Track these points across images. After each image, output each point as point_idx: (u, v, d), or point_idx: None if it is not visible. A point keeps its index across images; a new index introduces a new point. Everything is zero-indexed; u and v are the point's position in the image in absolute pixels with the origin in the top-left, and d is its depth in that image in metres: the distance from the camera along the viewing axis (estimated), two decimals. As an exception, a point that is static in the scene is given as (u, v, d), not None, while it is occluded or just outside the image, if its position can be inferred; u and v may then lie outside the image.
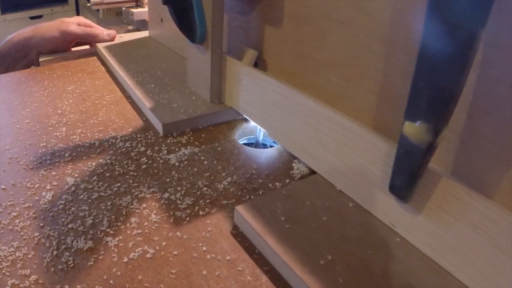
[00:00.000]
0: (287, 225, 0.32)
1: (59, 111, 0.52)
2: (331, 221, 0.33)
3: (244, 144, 0.49)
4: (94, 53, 0.73)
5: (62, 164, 0.42)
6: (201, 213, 0.36)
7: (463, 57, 0.23)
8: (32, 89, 0.59)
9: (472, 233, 0.27)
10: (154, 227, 0.34)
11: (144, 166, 0.42)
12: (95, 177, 0.40)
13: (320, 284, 0.27)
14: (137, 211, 0.36)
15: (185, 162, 0.43)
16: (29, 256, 0.31)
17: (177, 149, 0.45)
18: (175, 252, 0.32)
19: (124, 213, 0.36)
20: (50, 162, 0.42)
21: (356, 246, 0.31)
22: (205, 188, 0.39)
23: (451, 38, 0.23)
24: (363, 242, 0.31)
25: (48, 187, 0.39)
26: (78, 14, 2.24)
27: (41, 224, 0.34)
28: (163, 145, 0.46)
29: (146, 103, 0.51)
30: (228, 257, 0.31)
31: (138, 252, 0.32)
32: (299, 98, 0.39)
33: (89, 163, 0.42)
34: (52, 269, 0.30)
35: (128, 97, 0.57)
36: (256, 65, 0.50)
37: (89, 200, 0.37)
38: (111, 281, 0.29)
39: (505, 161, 0.27)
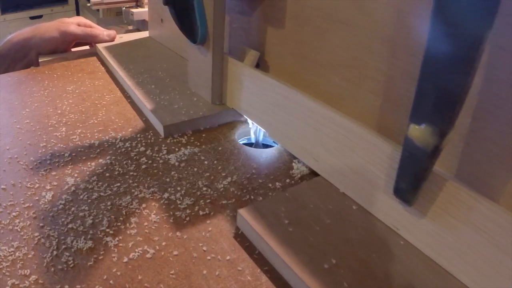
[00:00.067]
0: (291, 228, 0.32)
1: (59, 111, 0.52)
2: (334, 224, 0.33)
3: (244, 144, 0.49)
4: (94, 53, 0.73)
5: (62, 164, 0.42)
6: (201, 213, 0.36)
7: (469, 59, 0.22)
8: (32, 89, 0.59)
9: (477, 237, 0.26)
10: (154, 227, 0.34)
11: (144, 166, 0.42)
12: (95, 177, 0.40)
13: None
14: (137, 211, 0.36)
15: (185, 162, 0.43)
16: (29, 256, 0.31)
17: (177, 149, 0.45)
18: (175, 252, 0.32)
19: (124, 213, 0.36)
20: (50, 162, 0.42)
21: (360, 250, 0.30)
22: (205, 188, 0.39)
23: (457, 40, 0.22)
24: (367, 245, 0.31)
25: (48, 187, 0.39)
26: (78, 14, 2.24)
27: (41, 224, 0.34)
28: (163, 145, 0.46)
29: (146, 104, 0.51)
30: (228, 257, 0.31)
31: (138, 252, 0.32)
32: (301, 99, 0.39)
33: (89, 163, 0.42)
34: (52, 269, 0.30)
35: (128, 97, 0.57)
36: (257, 66, 0.50)
37: (89, 200, 0.37)
38: (111, 281, 0.29)
39: (510, 164, 0.27)
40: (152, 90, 0.55)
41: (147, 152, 0.44)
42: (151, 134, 0.48)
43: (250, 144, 0.51)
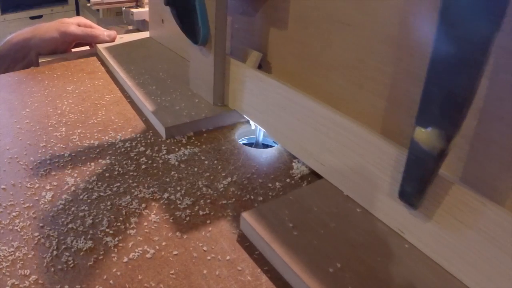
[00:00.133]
0: (295, 232, 0.32)
1: (59, 111, 0.53)
2: (339, 227, 0.33)
3: (244, 144, 0.49)
4: (94, 53, 0.73)
5: (62, 164, 0.42)
6: (201, 213, 0.36)
7: (477, 61, 0.22)
8: (32, 89, 0.59)
9: (483, 240, 0.26)
10: (153, 227, 0.34)
11: (143, 166, 0.42)
12: (95, 177, 0.40)
13: None
14: (136, 211, 0.36)
15: (185, 162, 0.43)
16: (29, 256, 0.31)
17: (177, 149, 0.45)
18: (175, 252, 0.32)
19: (124, 213, 0.35)
20: (50, 162, 0.42)
21: (364, 253, 0.30)
22: (205, 188, 0.39)
23: (464, 42, 0.22)
24: (371, 249, 0.31)
25: (48, 187, 0.39)
26: (78, 14, 2.24)
27: (41, 224, 0.34)
28: (163, 145, 0.46)
29: (148, 106, 0.51)
30: (228, 257, 0.31)
31: (138, 252, 0.32)
32: (305, 101, 0.39)
33: (89, 163, 0.42)
34: (52, 269, 0.30)
35: (128, 97, 0.57)
36: (260, 67, 0.49)
37: (89, 200, 0.37)
38: (111, 281, 0.29)
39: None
40: (153, 91, 0.55)
41: (147, 152, 0.44)
42: (151, 134, 0.48)
43: (250, 144, 0.51)
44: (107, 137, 0.47)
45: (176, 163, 0.43)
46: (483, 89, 0.27)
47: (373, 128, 0.34)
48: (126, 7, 0.88)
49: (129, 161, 0.43)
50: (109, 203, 0.37)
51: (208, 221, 0.35)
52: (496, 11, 0.21)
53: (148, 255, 0.31)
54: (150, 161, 0.43)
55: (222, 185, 0.39)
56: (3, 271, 0.30)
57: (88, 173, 0.41)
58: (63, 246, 0.32)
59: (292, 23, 0.44)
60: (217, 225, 0.35)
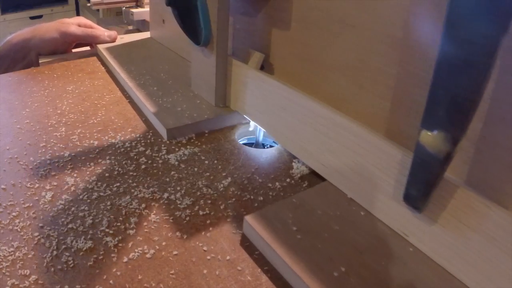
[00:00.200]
0: (299, 235, 0.32)
1: (59, 111, 0.53)
2: (343, 230, 0.32)
3: (244, 144, 0.49)
4: (94, 54, 0.73)
5: (62, 164, 0.42)
6: (201, 213, 0.36)
7: (484, 64, 0.22)
8: (32, 89, 0.59)
9: (488, 244, 0.26)
10: (153, 227, 0.34)
11: (143, 166, 0.42)
12: (95, 177, 0.40)
13: None
14: (136, 211, 0.36)
15: (185, 162, 0.43)
16: (29, 256, 0.31)
17: (176, 149, 0.45)
18: (175, 252, 0.32)
19: (124, 213, 0.35)
20: (50, 162, 0.42)
21: (369, 257, 0.30)
22: (205, 188, 0.39)
23: (471, 45, 0.22)
24: (376, 253, 0.30)
25: (48, 187, 0.39)
26: (78, 14, 2.24)
27: (41, 224, 0.34)
28: (163, 145, 0.46)
29: (149, 107, 0.50)
30: (228, 257, 0.31)
31: (138, 252, 0.32)
32: (307, 102, 0.38)
33: (89, 163, 0.42)
34: (52, 269, 0.30)
35: (127, 97, 0.57)
36: (262, 68, 0.49)
37: (89, 200, 0.37)
38: (111, 281, 0.29)
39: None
40: (155, 92, 0.55)
41: (147, 152, 0.44)
42: (151, 134, 0.48)
43: (250, 144, 0.51)
44: (107, 137, 0.47)
45: (176, 163, 0.43)
46: (489, 91, 0.27)
47: (375, 129, 0.34)
48: (126, 7, 0.88)
49: (129, 161, 0.43)
50: (109, 203, 0.37)
51: (208, 221, 0.35)
52: (504, 13, 0.20)
53: (148, 255, 0.31)
54: (150, 161, 0.43)
55: (222, 185, 0.39)
56: (3, 271, 0.30)
57: (88, 173, 0.41)
58: (63, 246, 0.32)
59: (295, 24, 0.44)
60: (217, 225, 0.35)
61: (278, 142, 0.45)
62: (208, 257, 0.31)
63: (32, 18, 2.09)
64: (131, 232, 0.34)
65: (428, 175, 0.27)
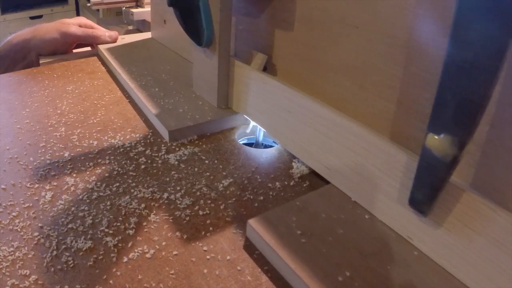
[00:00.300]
0: (303, 239, 0.31)
1: (59, 111, 0.53)
2: (347, 234, 0.32)
3: (244, 144, 0.49)
4: (95, 54, 0.73)
5: (62, 164, 0.42)
6: (201, 213, 0.36)
7: (492, 67, 0.22)
8: (32, 89, 0.59)
9: (494, 249, 0.26)
10: (153, 227, 0.34)
11: (143, 166, 0.42)
12: (94, 177, 0.40)
13: None
14: (136, 211, 0.36)
15: (185, 162, 0.43)
16: (29, 256, 0.31)
17: (176, 149, 0.45)
18: (175, 252, 0.32)
19: (124, 213, 0.35)
20: (50, 162, 0.42)
21: (374, 261, 0.30)
22: (205, 188, 0.39)
23: (480, 48, 0.22)
24: (380, 257, 0.30)
25: (48, 187, 0.39)
26: (78, 14, 2.24)
27: (41, 224, 0.34)
28: (162, 145, 0.46)
29: (151, 108, 0.50)
30: (228, 257, 0.31)
31: (138, 252, 0.32)
32: (311, 104, 0.38)
33: (88, 163, 0.42)
34: (52, 269, 0.30)
35: (127, 97, 0.57)
36: (265, 69, 0.49)
37: (88, 200, 0.37)
38: (110, 281, 0.29)
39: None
40: (156, 93, 0.54)
41: (147, 152, 0.44)
42: (151, 134, 0.48)
43: (250, 144, 0.51)
44: (106, 137, 0.47)
45: (176, 163, 0.43)
46: (496, 94, 0.27)
47: (379, 131, 0.34)
48: (126, 7, 0.88)
49: (129, 161, 0.43)
50: (108, 203, 0.37)
51: (208, 221, 0.35)
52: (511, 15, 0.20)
53: (148, 255, 0.31)
54: (149, 161, 0.43)
55: (222, 185, 0.39)
56: (3, 271, 0.30)
57: (87, 173, 0.41)
58: (63, 246, 0.32)
59: (299, 25, 0.43)
60: (217, 225, 0.35)
61: (282, 144, 0.44)
62: (208, 257, 0.31)
63: (32, 18, 2.09)
64: (131, 232, 0.34)
65: (434, 179, 0.27)
